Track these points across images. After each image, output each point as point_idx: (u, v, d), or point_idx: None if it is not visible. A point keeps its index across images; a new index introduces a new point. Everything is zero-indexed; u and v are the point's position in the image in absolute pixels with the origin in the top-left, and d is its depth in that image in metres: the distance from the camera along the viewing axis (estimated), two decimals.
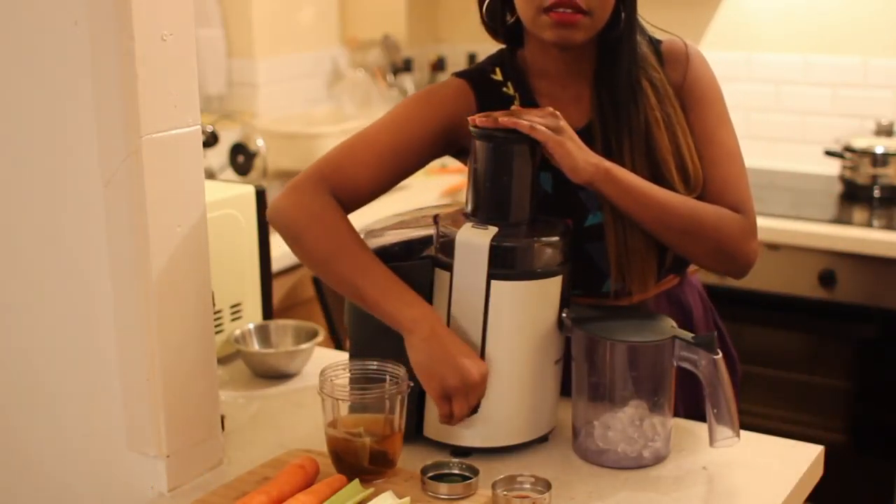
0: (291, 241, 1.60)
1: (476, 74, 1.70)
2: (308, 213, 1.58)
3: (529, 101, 1.67)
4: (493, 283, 1.48)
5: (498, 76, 1.70)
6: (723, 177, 1.64)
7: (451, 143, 1.67)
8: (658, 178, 1.60)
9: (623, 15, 1.61)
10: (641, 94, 1.62)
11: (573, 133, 1.53)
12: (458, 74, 1.71)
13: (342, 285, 1.56)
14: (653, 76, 1.64)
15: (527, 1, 1.59)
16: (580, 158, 1.51)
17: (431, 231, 1.56)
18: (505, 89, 1.68)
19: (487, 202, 1.53)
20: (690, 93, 1.67)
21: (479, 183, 1.53)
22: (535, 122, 1.49)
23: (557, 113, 1.53)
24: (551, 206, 1.60)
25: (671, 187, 1.60)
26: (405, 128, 1.65)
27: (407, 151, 1.64)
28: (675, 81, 1.66)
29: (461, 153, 1.70)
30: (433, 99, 1.69)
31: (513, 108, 1.57)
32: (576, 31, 1.57)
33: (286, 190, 1.61)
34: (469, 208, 1.54)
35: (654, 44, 1.68)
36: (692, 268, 1.79)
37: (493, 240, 1.48)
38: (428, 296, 1.54)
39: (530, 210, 1.54)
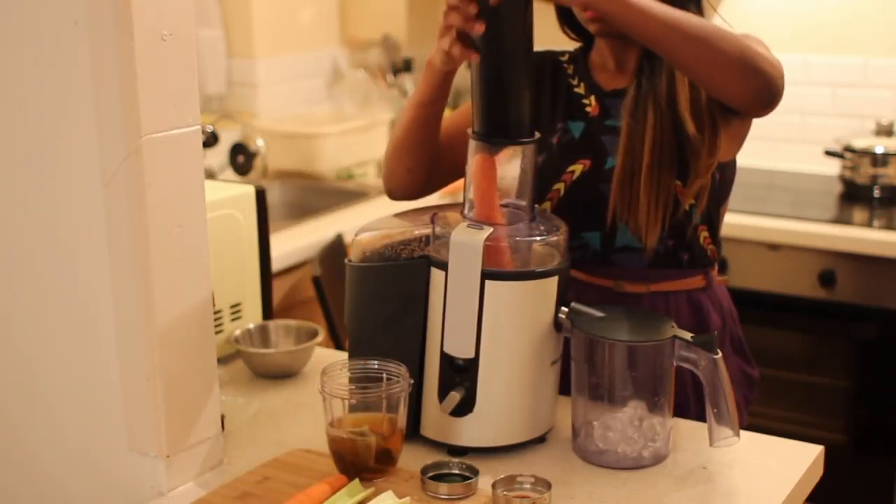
0: None
1: (545, 52, 1.84)
2: None
3: (585, 78, 1.80)
4: (488, 282, 1.48)
5: (564, 57, 1.86)
6: None
7: None
8: (678, 125, 1.68)
9: None
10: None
11: None
12: None
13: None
14: None
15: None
16: None
17: (429, 230, 1.56)
18: (565, 66, 1.84)
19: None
20: None
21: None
22: None
23: None
24: (576, 148, 1.75)
25: (689, 133, 1.67)
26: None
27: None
28: None
29: None
30: None
31: None
32: (608, 24, 1.68)
33: None
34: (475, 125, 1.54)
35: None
36: (719, 277, 1.80)
37: (486, 239, 1.48)
38: (423, 295, 1.54)
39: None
